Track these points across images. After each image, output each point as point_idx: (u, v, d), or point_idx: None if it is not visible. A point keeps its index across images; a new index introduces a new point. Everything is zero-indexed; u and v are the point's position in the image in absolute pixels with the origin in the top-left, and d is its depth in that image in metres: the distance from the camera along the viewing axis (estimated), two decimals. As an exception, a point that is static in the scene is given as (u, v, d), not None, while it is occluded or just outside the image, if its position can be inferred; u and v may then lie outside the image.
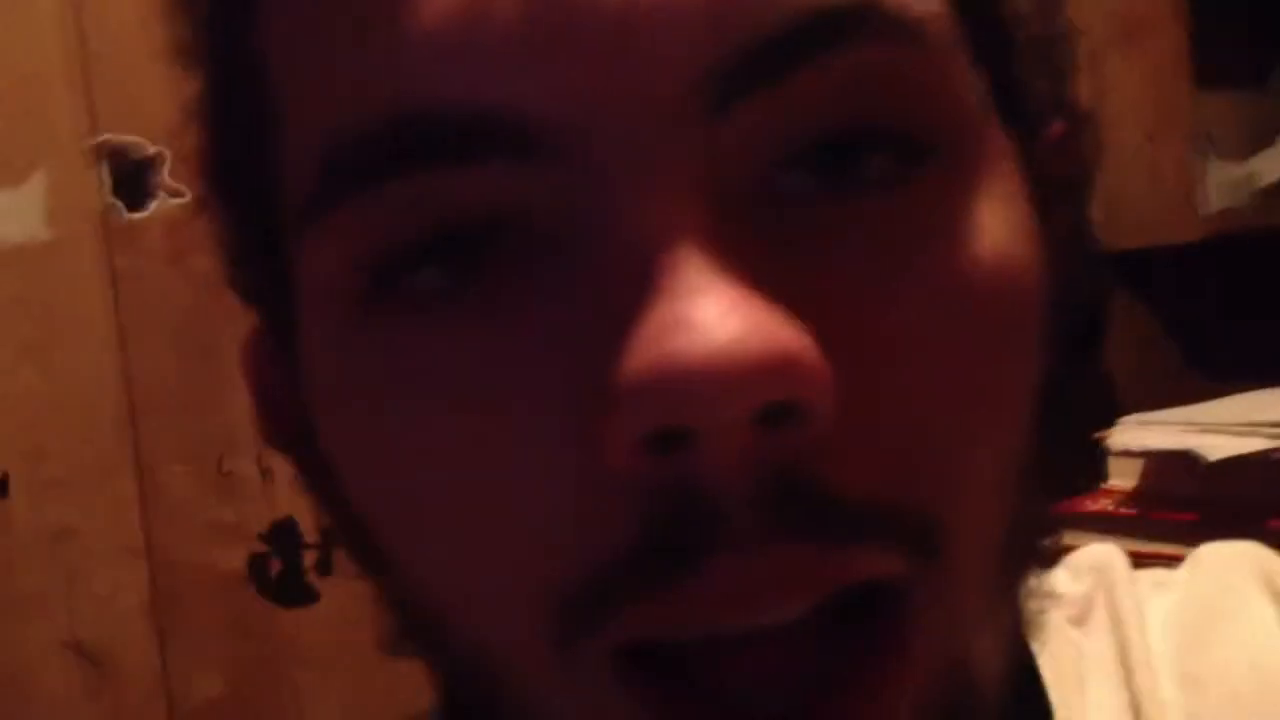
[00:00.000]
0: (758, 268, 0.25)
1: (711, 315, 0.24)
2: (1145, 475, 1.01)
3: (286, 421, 0.34)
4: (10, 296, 1.11)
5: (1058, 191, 0.32)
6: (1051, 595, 0.34)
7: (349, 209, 0.27)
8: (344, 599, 1.16)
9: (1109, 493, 1.02)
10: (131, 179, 1.13)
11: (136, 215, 1.13)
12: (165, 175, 1.13)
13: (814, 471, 0.25)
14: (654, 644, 0.27)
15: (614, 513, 0.26)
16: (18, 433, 1.11)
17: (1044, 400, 0.30)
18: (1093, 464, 1.03)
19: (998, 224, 0.28)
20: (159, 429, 1.13)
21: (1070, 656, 0.46)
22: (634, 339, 0.24)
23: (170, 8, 0.33)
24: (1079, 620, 0.48)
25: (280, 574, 1.15)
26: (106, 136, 1.12)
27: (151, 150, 1.13)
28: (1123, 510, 0.99)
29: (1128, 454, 1.01)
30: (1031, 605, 0.33)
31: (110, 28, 1.12)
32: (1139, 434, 1.00)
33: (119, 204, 1.13)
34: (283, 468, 1.15)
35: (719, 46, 0.25)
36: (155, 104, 1.12)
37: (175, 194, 1.13)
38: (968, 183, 0.28)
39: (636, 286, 0.24)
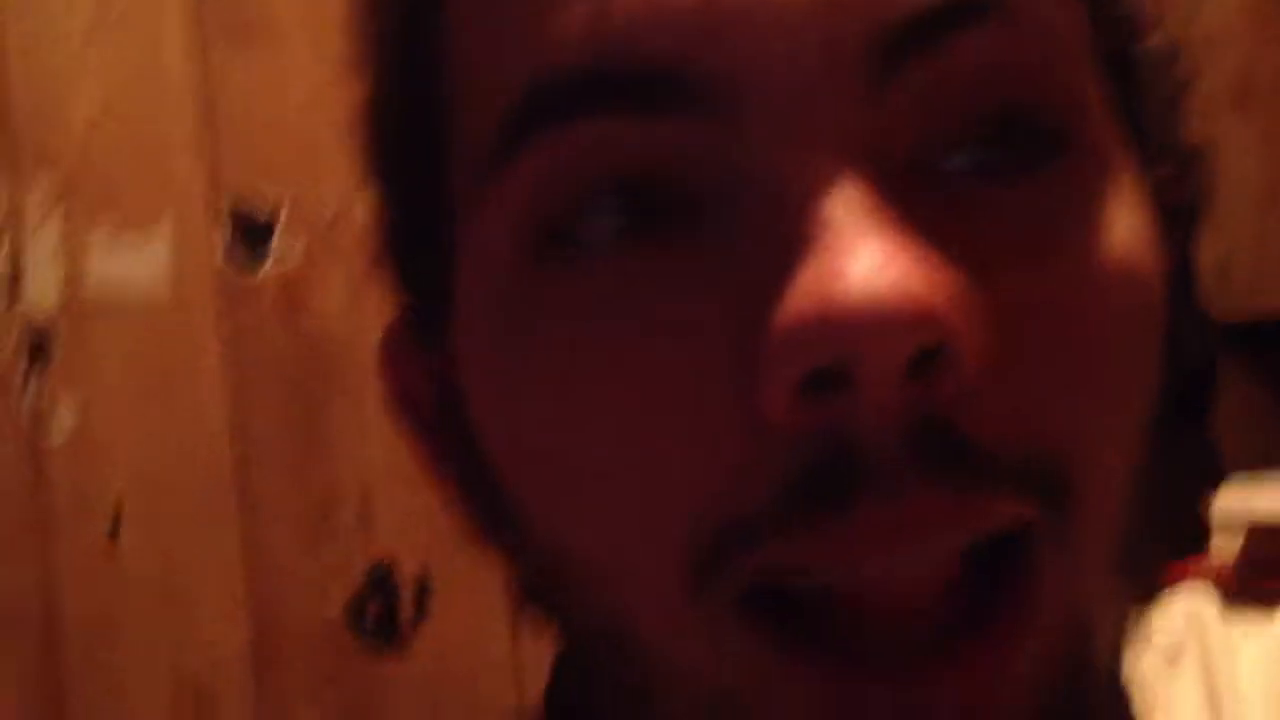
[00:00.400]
0: (915, 225, 0.26)
1: (870, 261, 0.25)
2: (1249, 540, 0.99)
3: (424, 405, 0.36)
4: (130, 349, 1.16)
5: (1170, 223, 0.33)
6: (1146, 636, 0.35)
7: (532, 151, 0.29)
8: (438, 645, 1.17)
9: (1210, 558, 1.00)
10: (249, 239, 1.17)
11: (252, 274, 1.17)
12: (281, 238, 1.17)
13: (958, 420, 0.26)
14: (778, 590, 0.28)
15: (766, 457, 0.27)
16: (132, 476, 1.15)
17: (1157, 432, 0.31)
18: (1196, 527, 1.01)
19: (1130, 221, 0.30)
20: (265, 480, 1.16)
21: (1160, 693, 0.46)
22: (796, 284, 0.26)
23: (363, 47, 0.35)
24: (1171, 660, 0.48)
25: (377, 617, 1.17)
26: (227, 197, 1.17)
27: (269, 212, 1.17)
28: (1225, 575, 0.97)
29: (1232, 519, 0.99)
30: (1131, 633, 0.34)
31: (236, 93, 1.17)
32: (1244, 498, 0.98)
33: (236, 263, 1.17)
34: (382, 514, 1.17)
35: (883, 17, 0.27)
36: (276, 168, 1.16)
37: (289, 256, 1.17)
38: (1102, 178, 0.30)
39: (798, 236, 0.26)
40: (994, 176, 0.28)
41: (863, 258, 0.25)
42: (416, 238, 0.34)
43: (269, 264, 1.17)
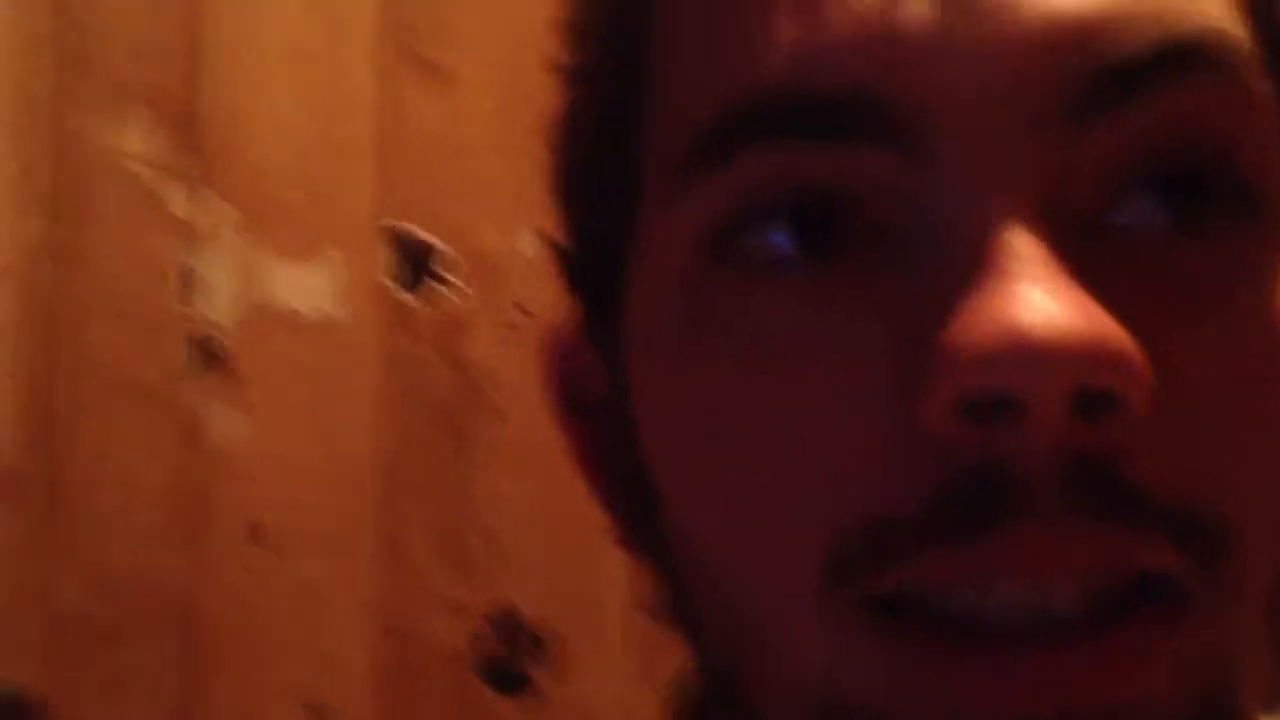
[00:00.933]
0: (1094, 270, 0.27)
1: (1046, 297, 0.26)
2: None
3: (585, 395, 0.38)
4: (291, 363, 1.19)
5: None
6: None
7: (722, 168, 0.30)
8: (559, 691, 1.17)
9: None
10: (413, 265, 1.20)
11: (413, 299, 1.20)
12: (444, 265, 1.20)
13: (1118, 462, 0.27)
14: (909, 597, 0.28)
15: (918, 467, 0.28)
16: (280, 488, 1.18)
17: None
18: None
19: None
20: (406, 502, 1.18)
21: None
22: (970, 308, 0.26)
23: (563, 13, 0.37)
24: None
25: (499, 662, 1.18)
26: (396, 225, 1.20)
27: (435, 240, 1.20)
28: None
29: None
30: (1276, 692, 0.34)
31: (413, 126, 1.20)
32: None
33: (398, 287, 1.20)
34: (512, 551, 1.18)
35: (1085, 63, 0.28)
36: (445, 200, 1.19)
37: (447, 283, 1.20)
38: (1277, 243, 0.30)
39: (979, 263, 0.27)
40: (1171, 229, 0.29)
41: (1045, 292, 0.26)
42: (595, 240, 0.36)
43: (431, 293, 1.20)
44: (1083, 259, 0.27)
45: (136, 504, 1.19)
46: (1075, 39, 0.28)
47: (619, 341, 0.35)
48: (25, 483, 1.19)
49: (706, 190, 0.31)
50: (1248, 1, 0.31)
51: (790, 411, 0.29)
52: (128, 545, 1.19)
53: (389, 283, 1.20)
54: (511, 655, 1.18)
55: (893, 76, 0.28)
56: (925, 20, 0.29)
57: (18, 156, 1.21)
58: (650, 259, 0.33)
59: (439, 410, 1.19)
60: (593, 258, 0.37)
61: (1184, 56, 0.29)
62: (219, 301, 1.20)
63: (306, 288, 1.20)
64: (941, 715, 0.28)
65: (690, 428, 0.32)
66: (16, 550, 1.19)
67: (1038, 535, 0.27)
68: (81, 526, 1.19)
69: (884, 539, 0.28)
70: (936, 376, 0.27)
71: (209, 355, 1.20)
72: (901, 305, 0.29)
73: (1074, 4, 0.28)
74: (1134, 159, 0.29)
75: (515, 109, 1.16)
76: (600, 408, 0.37)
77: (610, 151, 0.35)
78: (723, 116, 0.30)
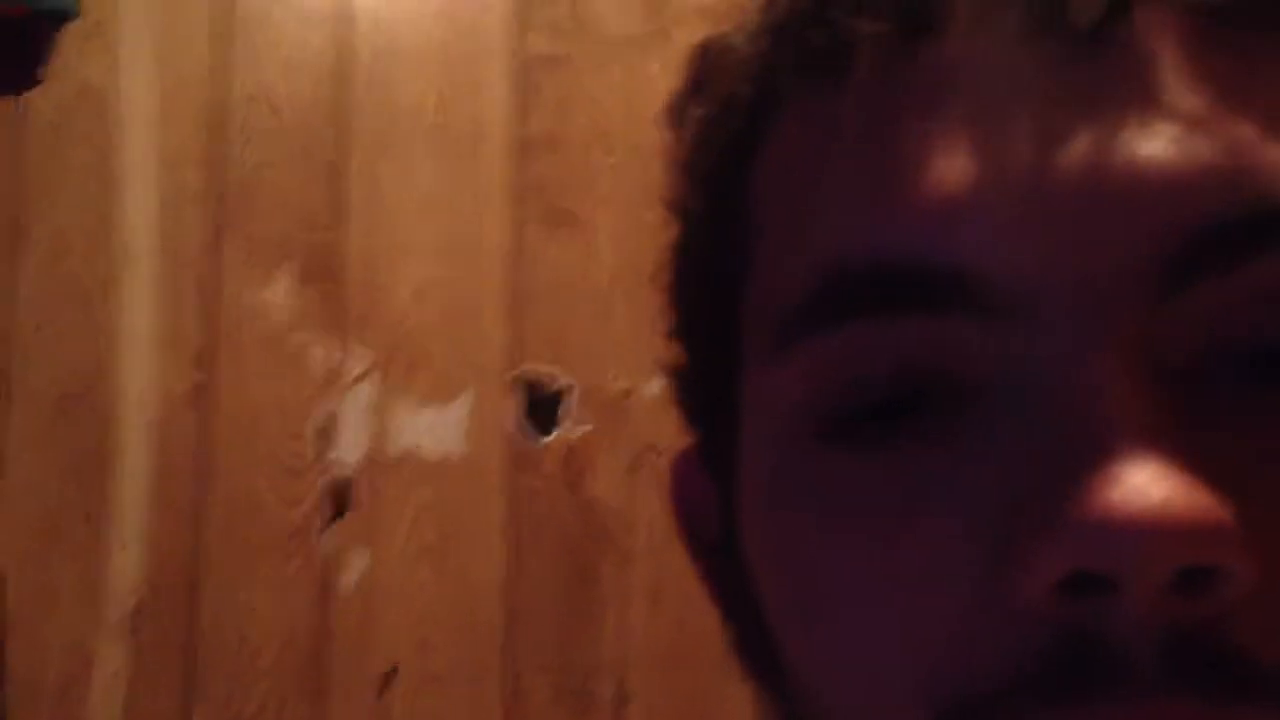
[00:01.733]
0: (1189, 440, 0.26)
1: (1149, 476, 0.26)
2: None
3: (707, 530, 0.38)
4: (422, 504, 1.22)
5: None
6: None
7: (820, 340, 0.30)
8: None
9: None
10: (541, 408, 1.23)
11: (542, 441, 1.23)
12: (571, 407, 1.23)
13: (1223, 631, 0.26)
14: None
15: (1013, 640, 0.27)
16: (408, 629, 1.20)
17: None
18: None
19: None
20: (531, 641, 1.19)
21: None
22: (1073, 486, 0.26)
23: (673, 159, 0.38)
24: None
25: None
26: (525, 368, 1.23)
27: (562, 383, 1.23)
28: None
29: None
30: None
31: (543, 272, 1.24)
32: None
33: (529, 429, 1.23)
34: (638, 692, 1.18)
35: (1183, 228, 0.28)
36: (571, 345, 1.22)
37: (577, 424, 1.22)
38: None
39: (1074, 438, 0.27)
40: (1271, 387, 0.28)
41: (1144, 470, 0.26)
42: (707, 384, 0.37)
43: (556, 434, 1.22)
44: (1184, 421, 0.27)
45: (268, 646, 1.21)
46: (1170, 198, 0.28)
47: (732, 478, 0.35)
48: (160, 624, 1.22)
49: (803, 358, 0.31)
50: None
51: (888, 584, 0.29)
52: (258, 687, 1.21)
53: (516, 425, 1.23)
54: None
55: (989, 251, 0.28)
56: (1016, 186, 0.28)
57: (166, 311, 1.27)
58: (753, 416, 0.34)
59: (565, 549, 1.20)
60: (702, 390, 0.37)
61: (1266, 227, 0.28)
62: (354, 445, 1.24)
63: (438, 431, 1.23)
64: None
65: (795, 587, 0.32)
66: (150, 690, 1.21)
67: (1136, 708, 0.26)
68: (214, 667, 1.21)
69: (984, 710, 0.28)
70: (1037, 554, 0.26)
71: (340, 498, 1.23)
72: (996, 474, 0.28)
73: (1166, 160, 0.28)
74: (1232, 320, 0.28)
75: (640, 254, 1.20)
76: (717, 540, 0.37)
77: (714, 293, 0.35)
78: (816, 294, 0.30)
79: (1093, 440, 0.26)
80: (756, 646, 0.35)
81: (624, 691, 1.18)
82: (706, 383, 0.37)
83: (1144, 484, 0.25)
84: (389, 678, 1.19)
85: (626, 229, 1.22)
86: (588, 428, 1.21)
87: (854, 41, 0.31)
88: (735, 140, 0.35)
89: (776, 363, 0.32)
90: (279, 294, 1.27)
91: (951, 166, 0.29)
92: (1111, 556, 0.25)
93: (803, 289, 0.31)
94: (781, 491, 0.32)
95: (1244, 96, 0.29)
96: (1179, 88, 0.29)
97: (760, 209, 0.34)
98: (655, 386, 1.20)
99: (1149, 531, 0.25)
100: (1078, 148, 0.28)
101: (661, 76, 1.22)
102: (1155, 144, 0.28)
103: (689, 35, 0.39)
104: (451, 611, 1.20)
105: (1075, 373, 0.27)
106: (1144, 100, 0.29)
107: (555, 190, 1.25)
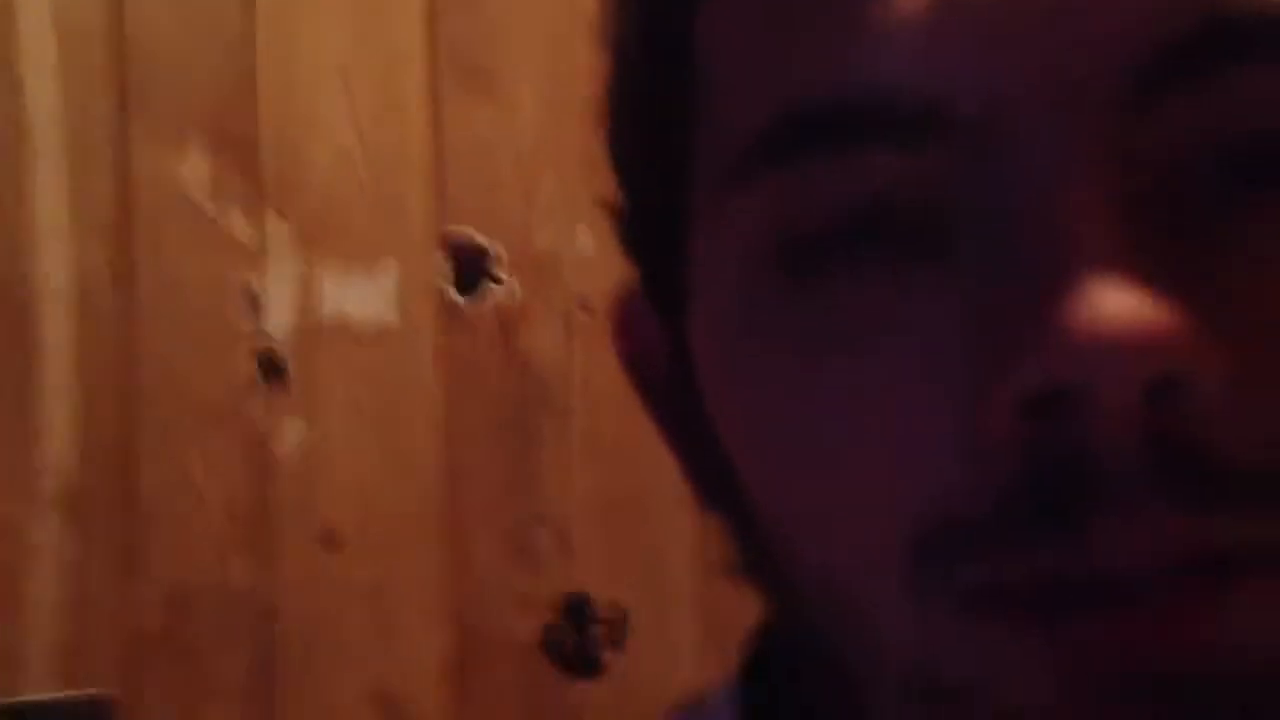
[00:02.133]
0: (1159, 254, 0.27)
1: (1117, 292, 0.26)
2: None
3: (654, 367, 0.37)
4: (357, 372, 1.22)
5: None
6: None
7: (781, 172, 0.30)
8: (631, 672, 1.20)
9: None
10: (470, 270, 1.23)
11: (473, 302, 1.23)
12: (498, 268, 1.23)
13: (1196, 440, 0.26)
14: (1004, 585, 0.28)
15: (987, 468, 0.27)
16: (351, 494, 1.21)
17: None
18: None
19: None
20: (472, 501, 1.21)
21: None
22: (1042, 306, 0.26)
23: (611, 38, 0.37)
24: None
25: (572, 646, 1.20)
26: (452, 233, 1.23)
27: (490, 244, 1.23)
28: None
29: None
30: None
31: (466, 136, 1.23)
32: None
33: (455, 291, 1.23)
34: (581, 542, 1.21)
35: (1150, 40, 0.27)
36: (499, 207, 1.22)
37: (504, 284, 1.23)
38: None
39: (1045, 260, 0.27)
40: (1248, 196, 0.28)
41: (1111, 286, 0.26)
42: (653, 220, 0.36)
43: (488, 297, 1.23)
44: (1159, 234, 0.27)
45: (208, 516, 1.22)
46: (1135, 10, 0.27)
47: (682, 315, 0.35)
48: (95, 500, 1.22)
49: (765, 189, 0.31)
50: None
51: (861, 405, 0.29)
52: (201, 557, 1.22)
53: (448, 288, 1.23)
54: (582, 640, 1.20)
55: (955, 83, 0.28)
56: (973, 15, 0.28)
57: (77, 186, 1.24)
58: (709, 249, 0.33)
59: (501, 410, 1.21)
60: (648, 227, 0.37)
61: (1238, 38, 0.28)
62: (282, 315, 1.24)
63: (366, 298, 1.23)
64: (1042, 686, 0.27)
65: (760, 418, 0.32)
66: (90, 566, 1.22)
67: (1122, 525, 0.26)
68: (154, 541, 1.22)
69: (964, 538, 0.28)
70: (1006, 373, 0.27)
71: (272, 368, 1.23)
72: (970, 299, 0.28)
73: None
74: (1202, 135, 0.28)
75: (564, 111, 1.20)
76: (669, 381, 0.36)
77: (659, 132, 0.35)
78: (775, 128, 0.30)
79: (1063, 261, 0.26)
80: (717, 486, 0.35)
81: (567, 544, 1.20)
82: (653, 219, 0.36)
83: (1111, 299, 0.26)
84: (331, 540, 1.21)
85: (549, 85, 1.22)
86: (518, 287, 1.22)
87: None
88: None
89: (737, 193, 0.31)
90: (192, 168, 1.25)
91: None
92: (1077, 369, 0.26)
93: (768, 122, 0.30)
94: (746, 321, 0.32)
95: None
96: None
97: (712, 36, 0.33)
98: (584, 243, 1.21)
99: (1115, 342, 0.25)
100: None
101: (573, -70, 1.20)
102: None
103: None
104: (391, 474, 1.21)
105: (1046, 194, 0.27)
106: None
107: (473, 48, 1.24)
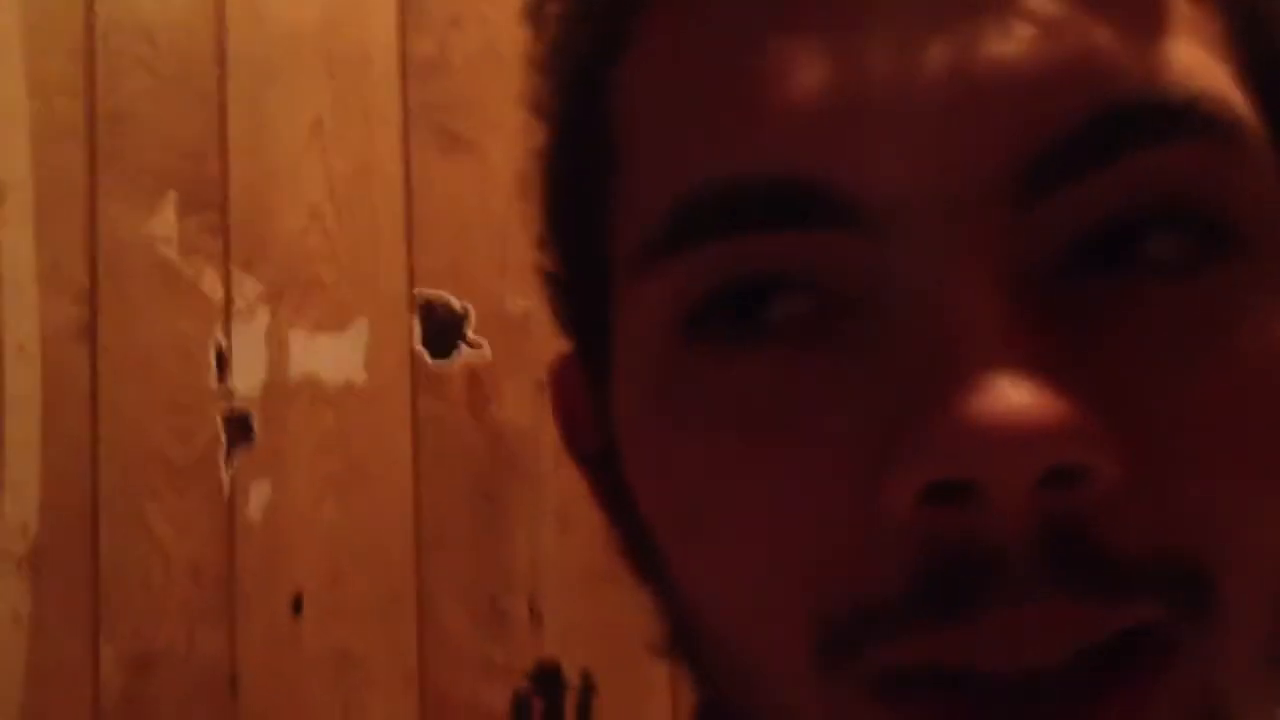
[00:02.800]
0: (1051, 344, 0.27)
1: (1006, 385, 0.26)
2: None
3: (586, 439, 0.38)
4: (324, 433, 1.21)
5: None
6: None
7: (682, 259, 0.30)
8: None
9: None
10: (442, 332, 1.22)
11: (441, 364, 1.22)
12: (470, 330, 1.22)
13: (1091, 528, 0.27)
14: (910, 670, 0.28)
15: (893, 554, 0.28)
16: (316, 559, 1.20)
17: None
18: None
19: None
20: (442, 566, 1.20)
21: None
22: (933, 399, 0.26)
23: (533, 62, 0.37)
24: None
25: (542, 714, 1.19)
26: (423, 294, 1.22)
27: (459, 306, 1.23)
28: None
29: None
30: None
31: (437, 195, 1.23)
32: None
33: (426, 353, 1.22)
34: (552, 610, 1.19)
35: (1039, 133, 0.28)
36: (470, 268, 1.22)
37: (477, 347, 1.22)
38: (1266, 277, 0.29)
39: (937, 352, 0.27)
40: (1139, 277, 0.28)
41: (1001, 379, 0.26)
42: (579, 290, 0.36)
43: (457, 358, 1.22)
44: (1055, 320, 0.27)
45: (173, 579, 1.21)
46: (1023, 105, 0.28)
47: (606, 387, 0.35)
48: (58, 561, 1.20)
49: (667, 276, 0.31)
50: (1235, 35, 0.31)
51: (762, 495, 0.30)
52: (165, 620, 1.20)
53: (419, 349, 1.23)
54: (552, 709, 1.19)
55: (842, 164, 0.28)
56: (875, 97, 0.28)
57: (46, 247, 1.24)
58: (626, 327, 0.33)
59: (471, 473, 1.20)
60: (575, 297, 0.37)
61: (1123, 125, 0.28)
62: (251, 375, 1.23)
63: (337, 358, 1.22)
64: None
65: (670, 495, 0.32)
66: (57, 627, 1.20)
67: (1017, 616, 0.27)
68: (117, 603, 1.20)
69: (867, 625, 0.28)
70: (899, 463, 0.27)
71: (240, 428, 1.22)
72: (866, 386, 0.28)
73: (1019, 66, 0.28)
74: (1093, 217, 0.28)
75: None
76: (599, 449, 0.37)
77: (582, 201, 0.35)
78: (672, 214, 0.30)
79: (953, 353, 0.27)
80: (641, 556, 0.35)
81: (537, 612, 1.19)
82: (579, 290, 0.36)
83: (1000, 393, 0.26)
84: (298, 607, 1.19)
85: (520, 150, 1.21)
86: (489, 351, 1.21)
87: None
88: (596, 43, 0.34)
89: (644, 278, 0.32)
90: (162, 225, 1.24)
91: (810, 79, 0.29)
92: (969, 465, 0.26)
93: (671, 203, 0.30)
94: (656, 401, 0.32)
95: None
96: None
97: (625, 117, 0.33)
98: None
99: (1005, 437, 0.25)
100: (935, 54, 0.28)
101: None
102: (1009, 48, 0.28)
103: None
104: (360, 539, 1.20)
105: (937, 286, 0.27)
106: (1002, 3, 0.28)
107: (446, 112, 1.24)
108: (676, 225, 0.30)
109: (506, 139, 1.22)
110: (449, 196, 1.23)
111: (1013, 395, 0.26)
